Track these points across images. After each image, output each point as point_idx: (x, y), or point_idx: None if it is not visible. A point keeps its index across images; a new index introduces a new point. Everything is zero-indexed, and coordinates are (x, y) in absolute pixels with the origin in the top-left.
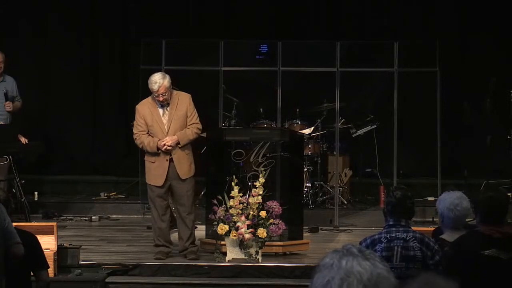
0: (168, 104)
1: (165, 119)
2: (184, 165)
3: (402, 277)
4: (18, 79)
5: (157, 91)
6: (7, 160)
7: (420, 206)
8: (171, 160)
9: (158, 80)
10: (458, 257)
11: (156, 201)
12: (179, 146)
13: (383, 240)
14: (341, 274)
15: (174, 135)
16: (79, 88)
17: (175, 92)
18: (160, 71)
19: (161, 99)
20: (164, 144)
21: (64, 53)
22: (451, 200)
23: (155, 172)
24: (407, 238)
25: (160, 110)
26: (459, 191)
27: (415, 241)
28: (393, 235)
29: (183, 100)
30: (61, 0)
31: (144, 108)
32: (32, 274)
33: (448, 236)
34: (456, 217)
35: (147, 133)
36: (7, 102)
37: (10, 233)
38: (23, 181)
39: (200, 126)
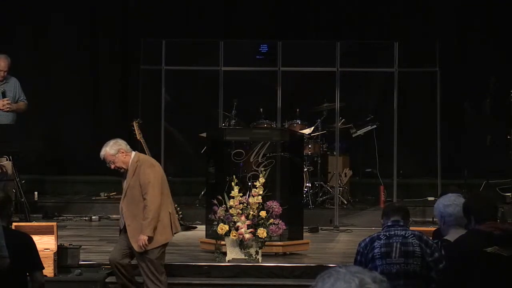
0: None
1: (125, 185)
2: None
3: (401, 272)
4: (18, 79)
5: (103, 160)
6: (7, 160)
7: (420, 206)
8: (125, 230)
9: (103, 149)
10: (460, 256)
11: None
12: (151, 235)
13: (382, 237)
14: None
15: (141, 235)
16: (79, 88)
17: (136, 158)
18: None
19: (112, 167)
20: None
21: (64, 53)
22: (446, 197)
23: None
24: (406, 235)
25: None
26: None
27: (414, 237)
28: (392, 232)
29: (139, 169)
30: (61, 0)
31: None
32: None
33: (451, 236)
34: (457, 212)
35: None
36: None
37: None
38: (23, 181)
39: (151, 204)
